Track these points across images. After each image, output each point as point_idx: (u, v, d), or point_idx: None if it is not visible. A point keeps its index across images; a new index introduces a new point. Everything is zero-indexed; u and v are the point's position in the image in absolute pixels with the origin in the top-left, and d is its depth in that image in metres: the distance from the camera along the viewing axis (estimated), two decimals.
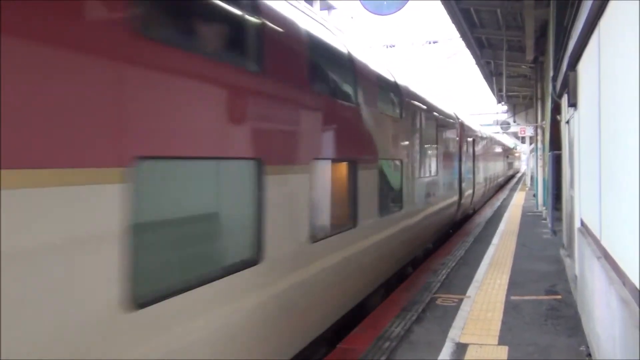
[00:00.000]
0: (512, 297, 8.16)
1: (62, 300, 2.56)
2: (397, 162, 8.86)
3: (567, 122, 9.15)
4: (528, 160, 35.87)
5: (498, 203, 25.43)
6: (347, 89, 6.88)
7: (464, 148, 16.69)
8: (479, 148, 21.29)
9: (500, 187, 37.31)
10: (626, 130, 3.54)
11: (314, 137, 5.52)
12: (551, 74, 9.88)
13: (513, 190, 36.24)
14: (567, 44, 7.15)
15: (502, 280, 9.25)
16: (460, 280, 9.30)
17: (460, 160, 15.78)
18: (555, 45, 9.14)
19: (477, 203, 21.35)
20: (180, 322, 3.38)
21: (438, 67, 32.12)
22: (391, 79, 8.90)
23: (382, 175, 7.87)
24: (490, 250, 12.31)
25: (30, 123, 2.42)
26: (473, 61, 20.47)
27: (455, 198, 14.87)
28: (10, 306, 2.30)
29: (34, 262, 2.43)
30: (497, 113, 31.53)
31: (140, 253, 3.03)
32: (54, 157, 2.52)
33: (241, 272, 4.08)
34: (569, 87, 7.07)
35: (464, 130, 16.72)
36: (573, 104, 7.13)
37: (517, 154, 71.09)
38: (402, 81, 9.56)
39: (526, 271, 9.97)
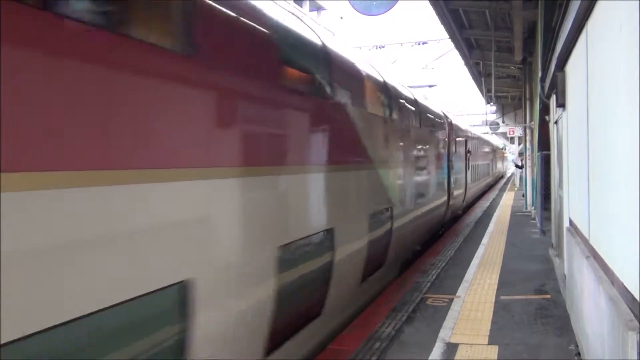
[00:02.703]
0: (502, 297, 8.19)
1: None
2: None
3: (556, 122, 9.20)
4: (517, 161, 36.10)
5: (487, 203, 25.55)
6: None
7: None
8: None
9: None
10: (614, 130, 3.56)
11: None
12: (539, 74, 9.94)
13: (502, 190, 36.44)
14: (555, 44, 7.19)
15: (491, 280, 9.29)
16: (450, 280, 9.32)
17: None
18: (543, 46, 9.19)
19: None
20: None
21: (427, 68, 32.16)
22: None
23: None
24: (480, 250, 12.36)
25: None
26: (462, 62, 20.54)
27: None
28: None
29: None
30: (486, 114, 31.66)
31: None
32: None
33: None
34: (557, 87, 7.11)
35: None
36: (561, 104, 7.17)
37: (504, 153, 55.81)
38: None
39: (515, 271, 10.02)
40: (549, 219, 12.64)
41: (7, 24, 2.32)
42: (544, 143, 13.31)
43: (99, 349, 2.91)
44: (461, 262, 10.87)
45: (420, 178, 11.37)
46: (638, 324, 2.88)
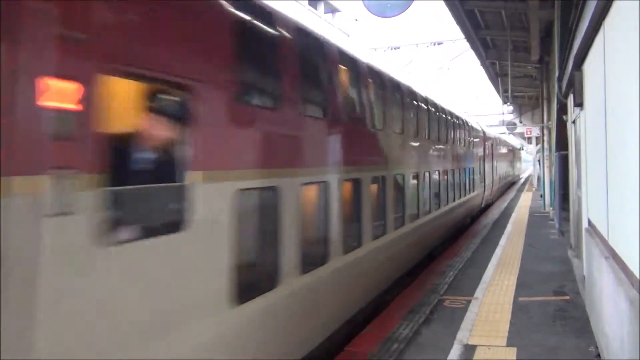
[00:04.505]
0: (520, 299, 8.13)
1: None
2: None
3: (573, 122, 9.12)
4: (534, 161, 35.47)
5: (505, 204, 25.33)
6: None
7: None
8: None
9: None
10: (631, 129, 3.53)
11: None
12: (557, 74, 9.85)
13: (520, 191, 36.12)
14: (572, 43, 7.13)
15: (509, 282, 9.22)
16: (467, 282, 9.27)
17: None
18: (560, 45, 9.12)
19: None
20: None
21: (443, 68, 32.03)
22: None
23: None
24: (498, 251, 12.27)
25: None
26: (478, 62, 20.44)
27: None
28: None
29: None
30: (503, 114, 31.39)
31: None
32: None
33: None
34: (575, 87, 7.06)
35: None
36: (579, 103, 7.11)
37: (516, 152, 46.04)
38: None
39: (534, 272, 9.93)
40: (567, 219, 12.52)
41: None
42: (562, 143, 13.18)
43: None
44: (479, 264, 10.81)
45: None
46: None
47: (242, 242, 4.57)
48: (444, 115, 13.55)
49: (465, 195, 16.60)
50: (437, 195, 12.51)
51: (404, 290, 8.99)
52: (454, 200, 14.59)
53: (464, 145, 16.76)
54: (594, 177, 6.04)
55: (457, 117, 15.81)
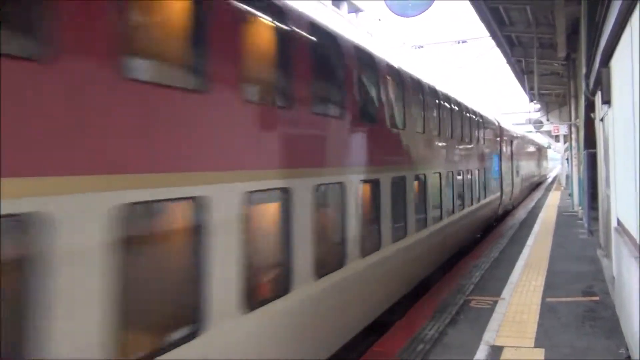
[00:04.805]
0: (548, 299, 8.04)
1: None
2: None
3: (602, 119, 8.98)
4: (562, 159, 34.87)
5: (532, 203, 25.01)
6: None
7: None
8: None
9: None
10: None
11: None
12: (584, 71, 9.71)
13: (548, 190, 35.61)
14: (599, 40, 7.02)
15: (537, 282, 9.12)
16: (494, 282, 9.20)
17: None
18: (587, 42, 8.99)
19: None
20: None
21: (467, 67, 31.77)
22: None
23: None
24: (525, 251, 12.14)
25: None
26: (503, 60, 20.23)
27: None
28: None
29: None
30: (530, 112, 30.94)
31: None
32: None
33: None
34: (602, 84, 6.95)
35: None
36: (607, 101, 6.99)
37: (541, 151, 41.05)
38: None
39: (562, 272, 9.80)
40: (596, 218, 12.32)
41: None
42: (591, 141, 12.96)
43: None
44: (505, 264, 10.71)
45: None
46: None
47: None
48: (440, 104, 10.47)
49: (472, 204, 13.02)
50: (424, 212, 9.12)
51: (429, 291, 8.95)
52: (452, 213, 11.08)
53: (474, 144, 13.65)
54: (623, 176, 5.95)
55: (463, 107, 12.54)
